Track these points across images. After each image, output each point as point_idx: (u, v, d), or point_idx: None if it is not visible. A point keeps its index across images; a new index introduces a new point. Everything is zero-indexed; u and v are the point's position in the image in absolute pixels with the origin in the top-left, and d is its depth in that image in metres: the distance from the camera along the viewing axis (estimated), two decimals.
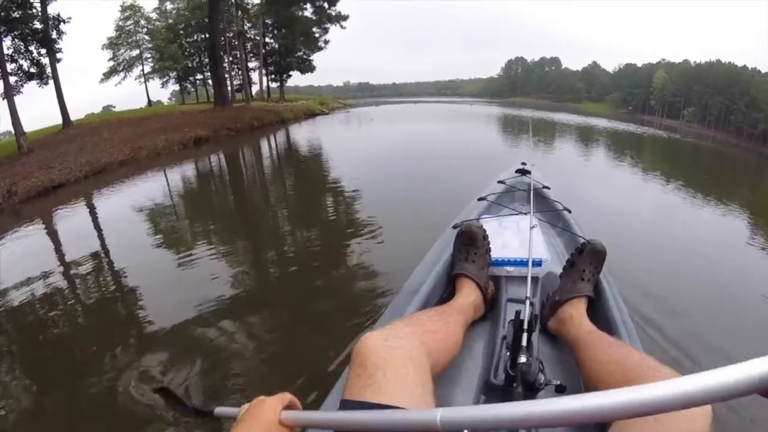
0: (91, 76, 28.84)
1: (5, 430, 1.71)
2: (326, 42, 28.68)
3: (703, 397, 0.29)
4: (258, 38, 28.26)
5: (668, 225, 4.70)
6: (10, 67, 12.38)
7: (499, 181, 2.39)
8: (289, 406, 0.63)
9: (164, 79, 31.35)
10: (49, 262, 3.49)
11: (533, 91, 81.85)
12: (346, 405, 0.67)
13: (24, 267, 3.30)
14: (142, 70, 29.83)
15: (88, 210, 5.55)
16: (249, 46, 29.55)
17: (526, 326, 0.93)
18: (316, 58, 31.47)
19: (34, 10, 12.56)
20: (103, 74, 28.69)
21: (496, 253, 1.39)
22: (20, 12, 12.09)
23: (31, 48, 13.00)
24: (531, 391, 0.85)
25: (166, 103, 38.66)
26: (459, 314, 1.08)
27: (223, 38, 26.32)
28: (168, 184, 6.76)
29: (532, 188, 2.07)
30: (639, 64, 68.88)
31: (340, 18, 22.26)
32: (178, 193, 6.08)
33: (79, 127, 14.80)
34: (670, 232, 4.33)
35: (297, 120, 17.92)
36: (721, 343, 2.19)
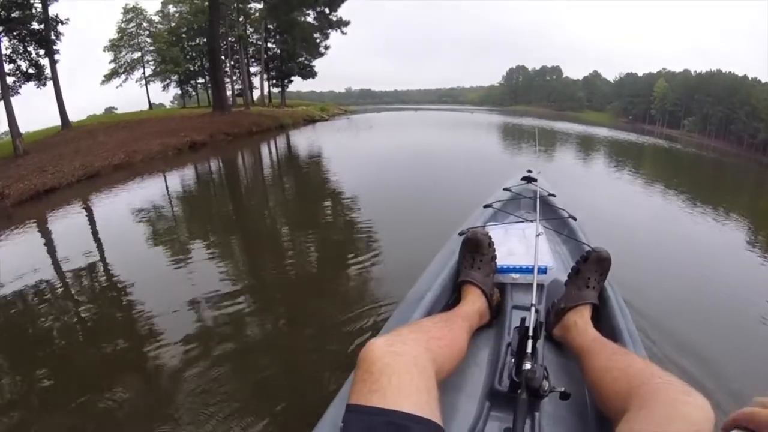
0: (95, 78, 28.90)
1: None
2: (327, 48, 28.80)
3: None
4: (260, 43, 28.34)
5: (671, 233, 4.74)
6: (8, 67, 12.35)
7: (505, 189, 2.41)
8: None
9: (165, 83, 31.37)
10: (37, 266, 3.48)
11: (534, 100, 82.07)
12: (351, 409, 0.67)
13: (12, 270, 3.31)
14: (143, 72, 29.85)
15: (77, 216, 5.45)
16: (251, 51, 29.66)
17: (531, 333, 0.94)
18: (318, 64, 31.60)
19: (34, 10, 12.55)
20: (104, 76, 28.70)
21: (501, 261, 1.39)
22: (20, 12, 12.08)
23: (30, 49, 12.97)
24: (535, 398, 0.86)
25: (168, 107, 38.75)
26: (464, 321, 1.09)
27: (225, 42, 26.43)
28: (161, 191, 6.63)
29: (538, 196, 2.10)
30: (640, 74, 69.35)
31: (341, 24, 22.27)
32: (169, 201, 5.97)
33: (77, 129, 14.76)
34: (672, 240, 4.39)
35: (296, 126, 17.87)
36: (721, 352, 2.20)
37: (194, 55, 31.32)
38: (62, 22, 13.28)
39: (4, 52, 11.81)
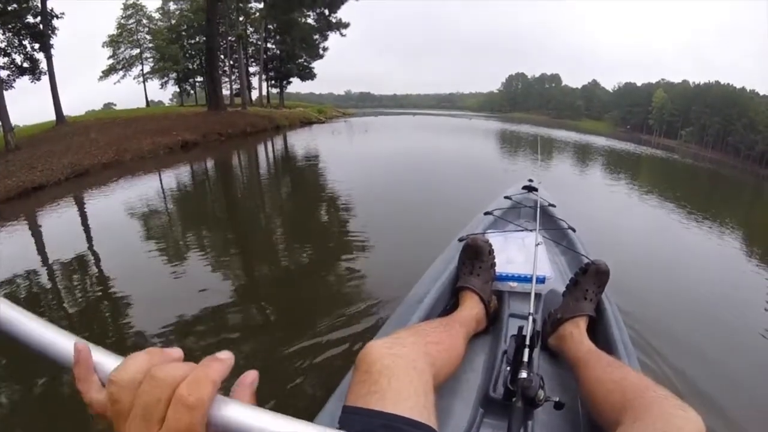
0: (95, 74, 28.72)
1: None
2: (325, 49, 28.78)
3: None
4: (260, 43, 28.30)
5: (669, 245, 4.78)
6: (1, 60, 12.32)
7: (506, 197, 2.44)
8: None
9: (163, 80, 31.24)
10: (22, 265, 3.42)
11: (533, 107, 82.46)
12: (349, 411, 0.67)
13: None
14: (141, 69, 29.75)
15: (64, 215, 5.37)
16: (251, 51, 29.60)
17: (528, 342, 0.94)
18: (319, 66, 31.73)
19: (31, 3, 12.50)
20: (102, 72, 28.62)
21: (500, 268, 1.41)
22: (16, 5, 12.03)
23: (25, 42, 12.92)
24: (531, 406, 0.86)
25: (167, 104, 38.63)
26: (461, 327, 1.09)
27: (224, 42, 26.40)
28: (146, 192, 6.53)
29: (538, 205, 2.12)
30: (638, 83, 69.60)
31: (340, 25, 22.25)
32: (155, 202, 5.89)
33: (72, 124, 14.67)
34: (670, 253, 4.43)
35: (292, 127, 17.84)
36: (718, 369, 2.22)
37: (193, 53, 31.21)
38: (57, 16, 13.22)
39: None
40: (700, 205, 7.69)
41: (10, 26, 12.20)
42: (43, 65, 14.49)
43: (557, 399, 0.85)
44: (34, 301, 2.92)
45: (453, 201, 5.10)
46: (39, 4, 12.70)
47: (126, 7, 28.98)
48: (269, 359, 2.06)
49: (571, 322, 1.17)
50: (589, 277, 1.23)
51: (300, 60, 30.11)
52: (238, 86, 27.31)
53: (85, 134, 11.50)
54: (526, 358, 0.91)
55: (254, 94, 29.89)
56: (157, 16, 30.43)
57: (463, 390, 1.06)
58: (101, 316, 2.66)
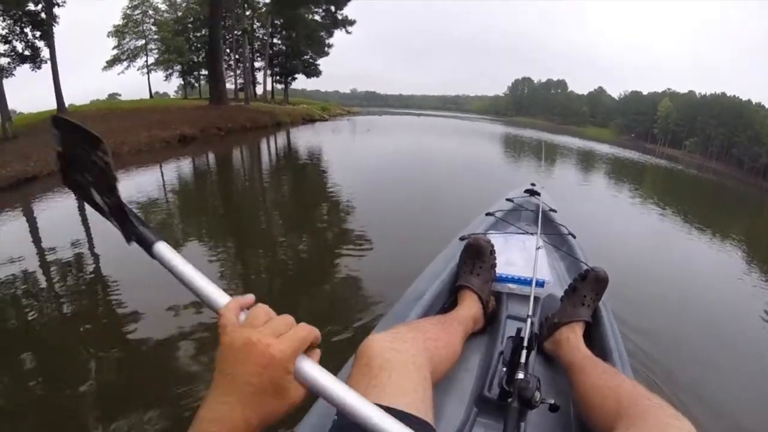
0: (101, 63, 28.70)
1: None
2: (329, 46, 28.68)
3: None
4: (266, 38, 28.22)
5: (667, 255, 4.81)
6: (2, 48, 12.24)
7: (508, 199, 2.47)
8: (310, 348, 0.46)
9: (168, 72, 31.17)
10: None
11: (538, 113, 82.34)
12: None
13: None
14: (146, 61, 29.70)
15: (52, 209, 5.29)
16: (257, 46, 29.51)
17: (526, 344, 0.94)
18: (325, 63, 31.52)
19: None
20: (107, 62, 28.59)
21: (500, 270, 1.41)
22: None
23: (26, 30, 12.82)
24: (526, 407, 0.86)
25: (172, 96, 38.59)
26: (459, 325, 1.10)
27: (230, 35, 26.32)
28: (143, 185, 6.48)
29: (540, 209, 2.12)
30: (645, 92, 69.51)
31: (346, 22, 22.11)
32: (149, 196, 5.80)
33: (72, 114, 14.64)
34: (668, 263, 4.45)
35: (294, 124, 17.69)
36: (713, 378, 2.28)
37: (199, 46, 31.05)
38: (59, 4, 13.09)
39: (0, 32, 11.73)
40: (703, 219, 7.68)
41: (11, 13, 12.08)
42: (45, 54, 14.48)
43: (552, 401, 0.85)
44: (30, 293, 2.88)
45: (453, 202, 5.13)
46: None
47: None
48: None
49: (567, 327, 1.18)
50: (587, 284, 1.24)
51: (305, 57, 30.01)
52: (242, 80, 27.28)
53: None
54: (523, 360, 0.92)
55: (259, 89, 29.84)
56: (163, 7, 30.42)
57: (458, 388, 1.07)
58: (95, 301, 2.72)
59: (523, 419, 0.93)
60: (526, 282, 1.38)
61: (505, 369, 0.96)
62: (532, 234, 1.84)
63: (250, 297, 0.47)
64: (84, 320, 2.55)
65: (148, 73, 29.87)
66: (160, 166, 8.00)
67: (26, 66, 13.60)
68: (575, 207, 5.94)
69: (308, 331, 0.45)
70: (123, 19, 28.76)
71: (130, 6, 28.86)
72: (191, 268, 0.47)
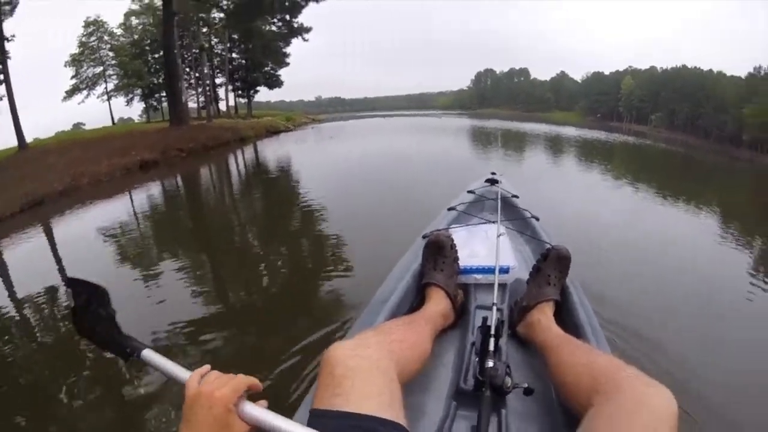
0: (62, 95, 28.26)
1: None
2: (287, 55, 28.78)
3: None
4: (224, 53, 28.18)
5: (635, 229, 4.87)
6: None
7: (469, 191, 2.46)
8: (250, 391, 0.61)
9: (129, 97, 30.93)
10: None
11: (503, 103, 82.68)
12: (315, 414, 0.69)
13: None
14: (105, 87, 29.43)
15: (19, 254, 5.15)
16: (216, 62, 29.45)
17: (493, 332, 0.97)
18: (287, 73, 31.62)
19: None
20: (66, 92, 28.28)
21: (464, 262, 1.41)
22: None
23: None
24: (499, 395, 0.89)
25: (136, 121, 38.05)
26: (427, 323, 1.11)
27: (188, 54, 26.23)
28: (109, 217, 6.43)
29: (500, 197, 2.16)
30: (606, 72, 70.40)
31: (302, 30, 22.18)
32: (111, 231, 5.51)
33: (33, 149, 14.41)
34: (637, 236, 4.51)
35: (258, 138, 17.75)
36: (684, 343, 2.31)
37: (158, 67, 30.70)
38: (8, 39, 13.04)
39: None
40: (668, 189, 7.82)
41: None
42: (1, 90, 14.27)
43: (526, 385, 0.88)
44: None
45: (420, 199, 5.04)
46: None
47: (87, 25, 28.64)
48: (239, 368, 2.17)
49: (536, 308, 1.19)
50: (549, 263, 1.25)
51: (266, 68, 30.08)
52: (204, 99, 27.19)
53: (44, 159, 11.28)
54: (492, 348, 0.94)
55: (222, 105, 29.83)
56: (119, 32, 30.15)
57: (435, 385, 1.07)
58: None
59: (504, 407, 0.94)
60: (490, 270, 1.39)
61: (477, 359, 0.97)
62: (493, 222, 1.83)
63: (206, 367, 0.62)
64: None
65: (108, 99, 29.63)
66: (128, 194, 7.96)
67: None
68: (543, 193, 5.99)
69: (245, 379, 0.59)
70: (79, 47, 28.46)
71: (85, 33, 28.57)
72: (171, 363, 0.66)
